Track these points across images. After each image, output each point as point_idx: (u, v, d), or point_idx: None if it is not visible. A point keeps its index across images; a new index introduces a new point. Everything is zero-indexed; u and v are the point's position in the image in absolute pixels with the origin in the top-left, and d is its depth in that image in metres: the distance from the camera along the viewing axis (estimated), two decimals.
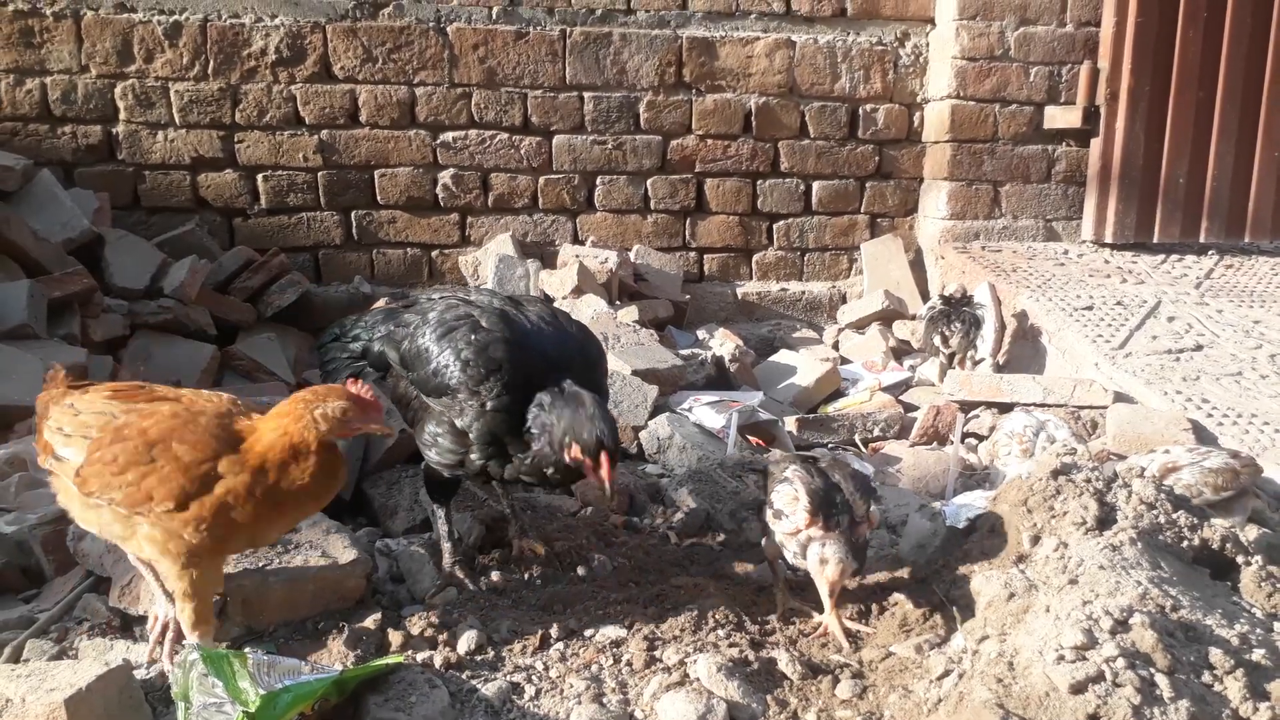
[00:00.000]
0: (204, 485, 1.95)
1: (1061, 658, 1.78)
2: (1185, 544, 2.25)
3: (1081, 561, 2.08)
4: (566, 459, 2.20)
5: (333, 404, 1.98)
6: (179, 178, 5.20)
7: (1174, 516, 2.29)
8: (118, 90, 5.06)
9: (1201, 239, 5.96)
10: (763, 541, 2.42)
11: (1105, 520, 2.26)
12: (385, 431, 2.14)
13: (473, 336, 2.38)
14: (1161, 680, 1.74)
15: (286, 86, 5.19)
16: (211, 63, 5.10)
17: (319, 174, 5.32)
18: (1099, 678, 1.74)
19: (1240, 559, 2.28)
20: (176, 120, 5.13)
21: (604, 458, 2.16)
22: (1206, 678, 1.81)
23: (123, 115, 5.09)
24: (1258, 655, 1.88)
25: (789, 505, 2.22)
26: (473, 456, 2.38)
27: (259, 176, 5.27)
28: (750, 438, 3.89)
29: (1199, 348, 4.59)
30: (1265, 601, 2.19)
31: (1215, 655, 1.83)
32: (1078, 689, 1.72)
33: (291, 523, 2.20)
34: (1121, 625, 1.84)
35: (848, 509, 2.18)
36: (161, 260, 4.81)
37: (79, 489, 2.02)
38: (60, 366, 2.26)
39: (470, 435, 2.36)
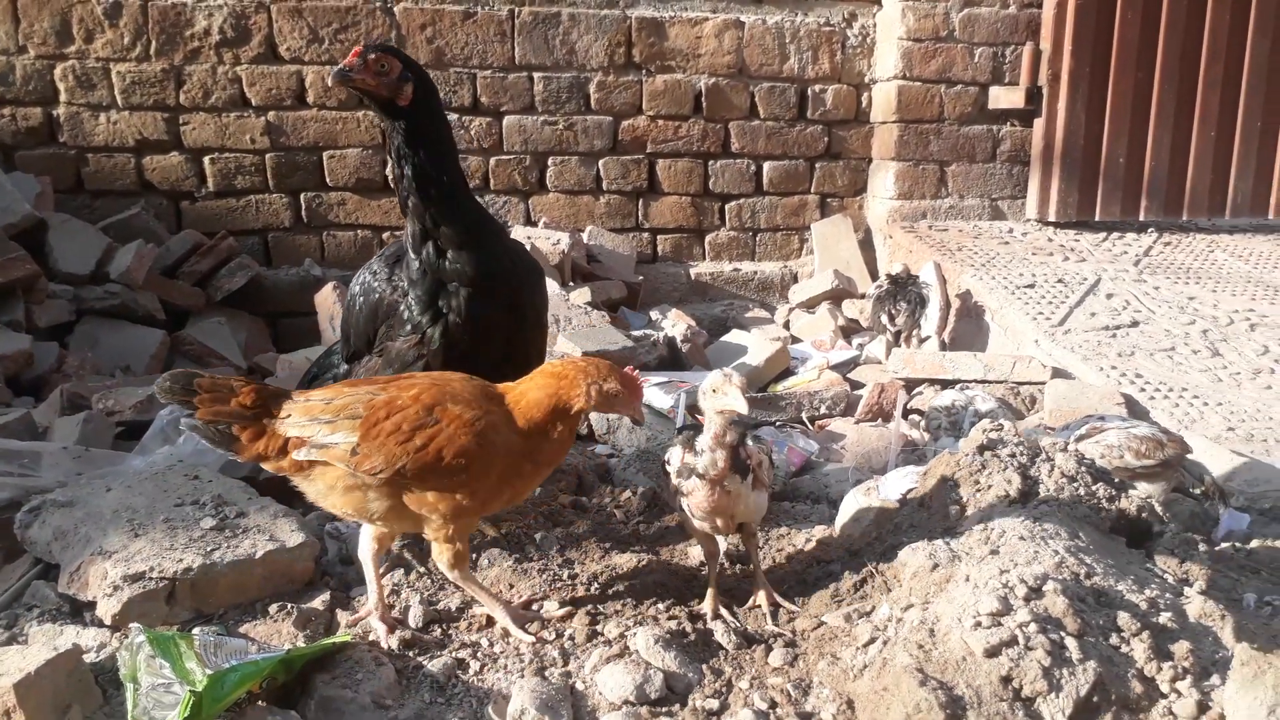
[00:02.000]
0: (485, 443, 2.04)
1: (978, 624, 1.88)
2: (1103, 514, 2.36)
3: (1003, 533, 2.18)
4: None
5: (610, 383, 2.07)
6: (123, 160, 5.15)
7: (1094, 488, 2.40)
8: (57, 71, 4.98)
9: (1141, 217, 6.13)
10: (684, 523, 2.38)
11: (1028, 493, 2.36)
12: (640, 418, 2.21)
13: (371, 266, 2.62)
14: (1071, 643, 1.84)
15: (231, 67, 5.14)
16: (154, 43, 5.04)
17: (267, 156, 5.28)
18: (1012, 642, 1.83)
19: (1156, 527, 2.40)
20: (119, 102, 5.07)
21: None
22: (1114, 640, 1.91)
23: (63, 97, 5.02)
24: (1164, 618, 1.99)
25: (691, 456, 2.18)
26: (430, 333, 2.41)
27: (206, 159, 5.23)
28: (699, 417, 3.96)
29: (1135, 324, 4.74)
30: (1177, 568, 2.31)
31: (1123, 619, 1.94)
32: (992, 653, 1.82)
33: (537, 483, 2.32)
34: (1035, 592, 1.94)
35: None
36: (107, 245, 4.77)
37: (357, 466, 2.03)
38: (240, 380, 2.17)
39: (413, 306, 2.41)
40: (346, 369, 2.80)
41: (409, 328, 2.44)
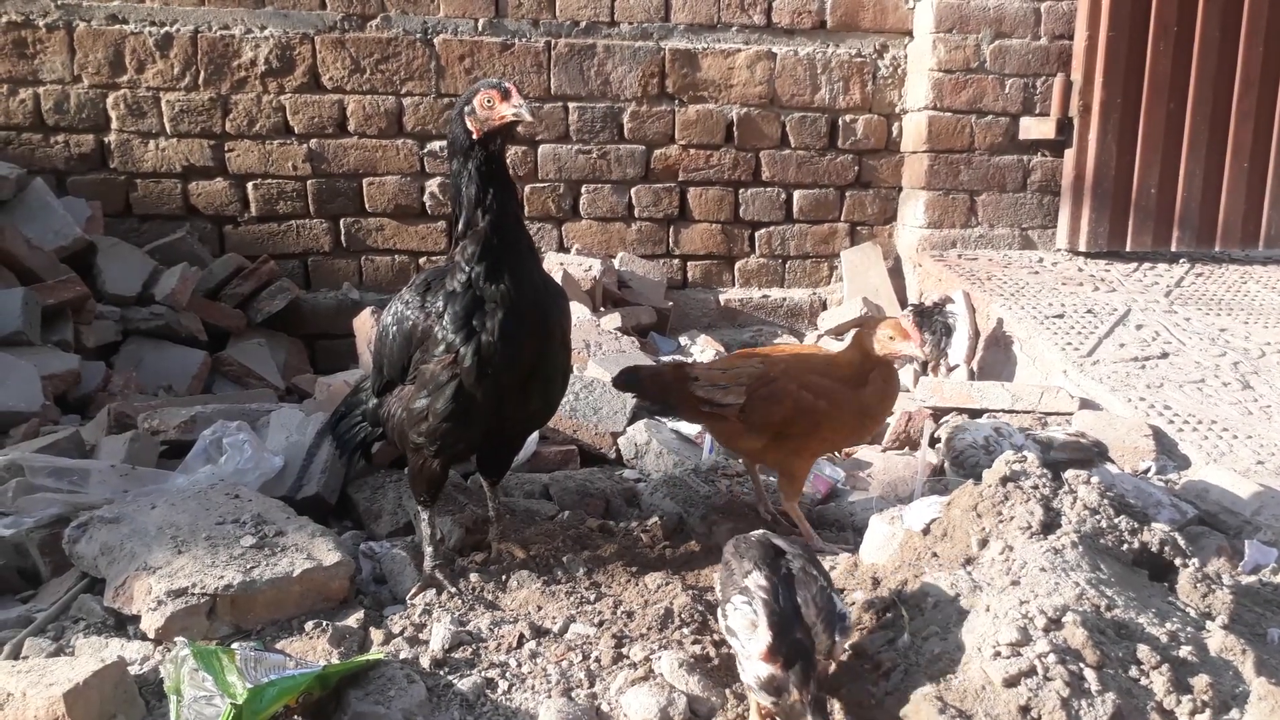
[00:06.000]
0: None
1: (998, 654, 1.91)
2: (1125, 547, 2.38)
3: (1024, 564, 2.20)
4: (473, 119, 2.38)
5: (887, 332, 2.86)
6: (170, 186, 5.31)
7: (1116, 521, 2.42)
8: (110, 100, 5.16)
9: (1173, 248, 6.10)
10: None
11: (1050, 525, 2.38)
12: (918, 357, 2.93)
13: (403, 296, 2.69)
14: (1090, 674, 1.87)
15: (276, 96, 5.30)
16: (202, 73, 5.20)
17: (308, 182, 5.42)
18: (1031, 672, 1.86)
19: (1178, 561, 2.41)
20: (168, 129, 5.23)
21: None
22: (1134, 672, 1.93)
23: (115, 124, 5.19)
24: (1184, 652, 2.01)
25: (745, 630, 1.90)
26: (463, 352, 2.44)
27: (249, 185, 5.37)
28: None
29: (1165, 355, 4.73)
30: (1199, 602, 2.32)
31: (1143, 651, 1.96)
32: (1011, 682, 1.85)
33: (872, 429, 3.21)
34: (1055, 623, 1.96)
35: (808, 651, 1.84)
36: (153, 267, 4.92)
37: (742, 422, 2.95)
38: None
39: (448, 326, 2.46)
40: (377, 402, 2.86)
41: (441, 348, 2.50)
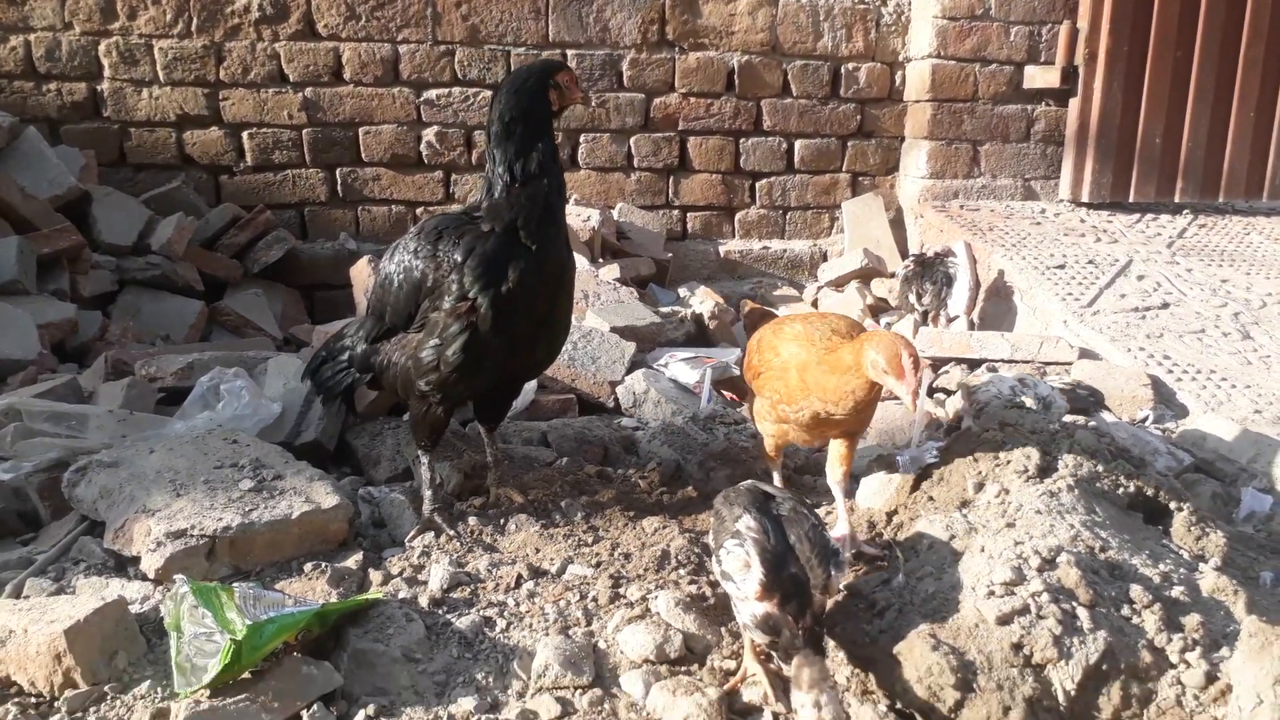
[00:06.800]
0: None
1: (992, 593, 1.92)
2: (1121, 491, 2.38)
3: (1020, 506, 2.21)
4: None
5: (870, 351, 2.16)
6: (164, 135, 5.25)
7: (1112, 465, 2.43)
8: (102, 47, 5.09)
9: (1176, 199, 6.06)
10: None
11: (1046, 468, 2.39)
12: (904, 401, 2.15)
13: (408, 245, 2.66)
14: (1082, 613, 1.88)
15: (270, 44, 5.22)
16: (195, 20, 5.13)
17: (304, 131, 5.37)
18: (1024, 610, 1.87)
19: (1173, 505, 2.42)
20: (161, 78, 5.17)
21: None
22: (1126, 611, 1.94)
23: (107, 72, 5.12)
24: (1177, 592, 2.02)
25: (739, 571, 1.91)
26: (481, 300, 2.46)
27: (244, 134, 5.32)
28: (724, 392, 4.01)
29: (1165, 306, 4.72)
30: (1193, 544, 2.33)
31: (1136, 591, 1.97)
32: (1004, 620, 1.86)
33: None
34: (1049, 564, 1.97)
35: (803, 586, 1.85)
36: (149, 217, 4.89)
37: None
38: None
39: (467, 275, 2.48)
40: (369, 349, 2.84)
41: (455, 297, 2.49)
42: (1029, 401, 3.33)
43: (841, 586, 2.09)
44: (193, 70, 5.19)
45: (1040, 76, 5.86)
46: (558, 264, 2.61)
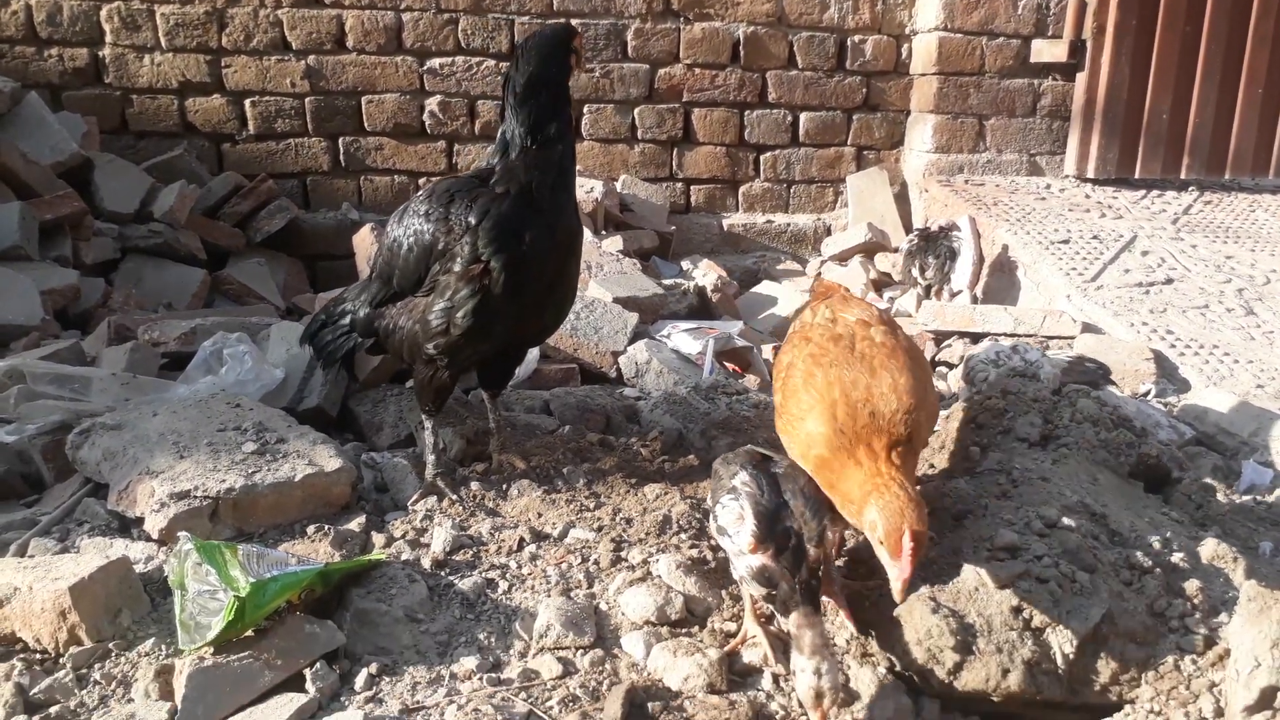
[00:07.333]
0: None
1: (993, 556, 1.93)
2: (1122, 459, 2.39)
3: (1023, 472, 2.21)
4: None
5: (872, 511, 1.84)
6: (166, 102, 5.23)
7: (1114, 433, 2.43)
8: (103, 12, 5.05)
9: (1183, 175, 6.03)
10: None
11: (1049, 436, 2.39)
12: (895, 587, 1.82)
13: (418, 208, 2.64)
14: (1083, 578, 1.89)
15: (273, 11, 5.19)
16: None
17: (306, 100, 5.34)
18: (1025, 574, 1.88)
19: (1175, 474, 2.42)
20: (163, 44, 5.14)
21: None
22: (1126, 576, 1.95)
23: (109, 38, 5.09)
24: (1176, 558, 2.03)
25: (734, 525, 1.93)
26: (494, 264, 2.45)
27: (247, 102, 5.29)
28: (726, 364, 4.01)
29: (1169, 281, 4.71)
30: (1194, 513, 2.34)
31: (1136, 557, 1.98)
32: (1004, 584, 1.87)
33: None
34: (1050, 528, 1.98)
35: (798, 539, 1.86)
36: (151, 184, 4.87)
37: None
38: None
39: (481, 238, 2.46)
40: (372, 313, 2.82)
41: (466, 260, 2.48)
42: (1016, 364, 3.31)
43: (840, 546, 2.10)
44: (195, 36, 5.15)
45: (1048, 50, 5.82)
46: (569, 230, 2.62)
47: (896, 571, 1.76)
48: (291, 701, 1.84)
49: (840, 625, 2.01)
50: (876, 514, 1.79)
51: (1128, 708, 1.80)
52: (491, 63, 5.44)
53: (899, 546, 1.74)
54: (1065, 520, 2.00)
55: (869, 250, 5.79)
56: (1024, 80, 5.92)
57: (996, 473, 2.24)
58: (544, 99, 2.50)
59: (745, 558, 1.88)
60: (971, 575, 1.91)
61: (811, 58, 5.83)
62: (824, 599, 1.96)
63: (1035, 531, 1.97)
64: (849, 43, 5.86)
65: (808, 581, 1.82)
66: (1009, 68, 5.87)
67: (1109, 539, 2.03)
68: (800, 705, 1.81)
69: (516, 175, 2.50)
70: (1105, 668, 1.83)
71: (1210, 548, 2.09)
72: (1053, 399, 2.49)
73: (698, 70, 5.73)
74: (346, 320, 2.94)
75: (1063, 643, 1.82)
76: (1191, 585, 1.95)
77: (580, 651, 1.98)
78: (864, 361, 1.99)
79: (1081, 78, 5.84)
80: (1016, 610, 1.85)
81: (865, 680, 1.88)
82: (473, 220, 2.48)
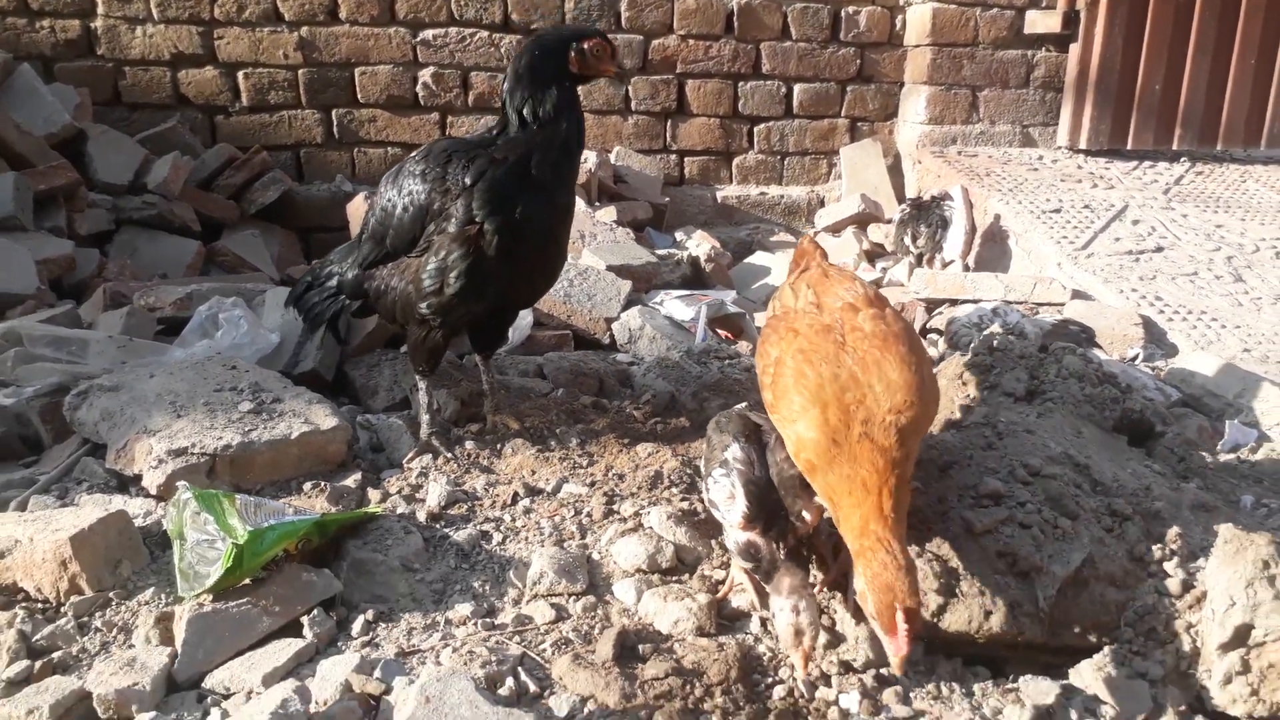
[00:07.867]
0: None
1: (977, 504, 1.96)
2: (1107, 413, 2.43)
3: (1008, 425, 2.25)
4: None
5: (868, 570, 1.73)
6: (159, 74, 5.22)
7: (1099, 389, 2.46)
8: None
9: (1175, 146, 6.05)
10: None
11: (1034, 391, 2.42)
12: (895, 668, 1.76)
13: (413, 169, 2.65)
14: (1065, 523, 1.93)
15: None
16: None
17: (299, 72, 5.33)
18: (1009, 520, 1.92)
19: (1158, 428, 2.46)
20: (155, 15, 5.12)
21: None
22: (1108, 522, 1.99)
23: (101, 9, 5.08)
24: (1158, 506, 2.07)
25: (724, 502, 1.95)
26: (488, 226, 2.49)
27: (239, 74, 5.29)
28: (719, 330, 4.04)
29: (1159, 249, 4.74)
30: (1177, 465, 2.38)
31: (1118, 504, 2.02)
32: (988, 529, 1.91)
33: None
34: (1034, 477, 2.02)
35: (785, 508, 1.90)
36: (144, 156, 4.87)
37: None
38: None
39: (476, 201, 2.49)
40: (361, 274, 2.84)
41: (461, 221, 2.50)
42: (996, 328, 3.35)
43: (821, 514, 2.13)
44: (186, 8, 5.14)
45: (1041, 21, 5.83)
46: (565, 205, 2.69)
47: (893, 649, 1.68)
48: (290, 646, 1.87)
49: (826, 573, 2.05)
50: (865, 586, 1.70)
51: (1107, 649, 1.84)
52: (485, 34, 5.44)
53: (892, 625, 1.65)
54: (1049, 469, 2.03)
55: (862, 221, 5.80)
56: (1017, 51, 5.93)
57: (982, 425, 2.27)
58: (536, 83, 2.55)
59: (734, 531, 1.93)
60: (956, 521, 1.94)
61: (805, 29, 5.83)
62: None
63: (1019, 479, 2.01)
64: (843, 14, 5.86)
65: (795, 549, 1.86)
66: (1002, 39, 5.88)
67: (1091, 488, 2.07)
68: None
69: (516, 147, 2.54)
70: (1086, 610, 1.87)
71: (1191, 496, 2.13)
72: (1039, 355, 2.53)
73: (692, 41, 5.73)
74: (334, 283, 2.95)
75: (1045, 586, 1.86)
76: (1171, 531, 1.99)
77: (573, 598, 2.02)
78: (855, 356, 1.87)
79: (1075, 49, 5.85)
80: (1000, 554, 1.89)
81: (850, 623, 1.92)
82: (468, 181, 2.50)
